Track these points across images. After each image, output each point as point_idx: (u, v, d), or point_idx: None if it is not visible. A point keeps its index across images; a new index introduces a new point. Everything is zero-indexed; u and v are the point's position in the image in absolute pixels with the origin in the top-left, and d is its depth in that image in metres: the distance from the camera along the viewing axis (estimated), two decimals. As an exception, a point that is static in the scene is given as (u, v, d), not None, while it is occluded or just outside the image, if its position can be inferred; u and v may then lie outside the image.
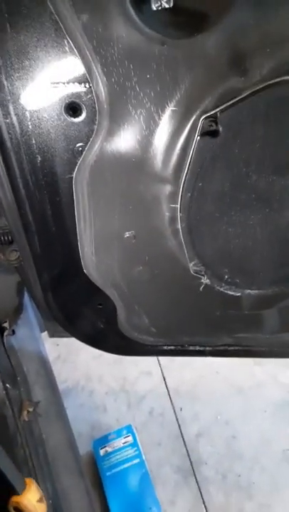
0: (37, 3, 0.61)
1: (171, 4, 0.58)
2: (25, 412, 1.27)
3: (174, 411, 2.01)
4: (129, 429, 1.90)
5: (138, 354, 1.24)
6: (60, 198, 0.83)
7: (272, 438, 1.86)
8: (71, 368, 2.25)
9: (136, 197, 0.81)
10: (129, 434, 1.88)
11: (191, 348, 1.21)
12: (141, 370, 2.19)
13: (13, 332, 1.46)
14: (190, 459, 1.85)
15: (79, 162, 0.76)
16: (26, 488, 0.83)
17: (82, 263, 0.95)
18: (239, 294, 0.97)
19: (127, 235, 0.88)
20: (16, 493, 0.81)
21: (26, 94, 0.69)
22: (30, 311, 1.57)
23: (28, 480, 0.85)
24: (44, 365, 1.48)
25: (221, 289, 0.96)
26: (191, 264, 0.91)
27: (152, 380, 2.14)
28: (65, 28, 0.62)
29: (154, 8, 0.58)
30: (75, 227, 0.87)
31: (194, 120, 0.69)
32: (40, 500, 0.84)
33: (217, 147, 0.71)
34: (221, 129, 0.68)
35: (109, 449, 1.85)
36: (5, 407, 1.24)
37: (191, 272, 0.92)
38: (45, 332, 1.71)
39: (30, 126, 0.73)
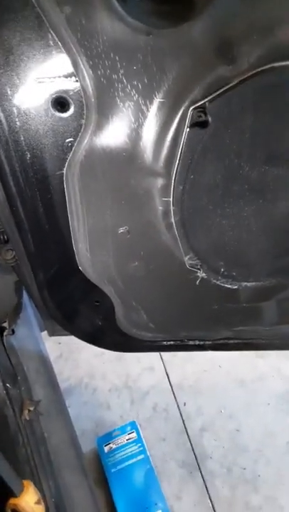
0: (19, -3, 0.60)
1: (155, -7, 0.57)
2: (26, 411, 1.26)
3: (178, 406, 2.01)
4: (133, 425, 1.90)
5: (137, 350, 1.24)
6: (52, 195, 0.82)
7: (276, 430, 1.85)
8: (73, 366, 2.25)
9: (128, 191, 0.81)
10: (133, 431, 1.88)
11: (191, 342, 1.20)
12: (143, 366, 2.18)
13: (13, 332, 1.46)
14: (195, 454, 1.85)
15: (69, 158, 0.76)
16: (24, 490, 0.83)
17: (77, 260, 0.94)
18: (236, 287, 0.96)
19: (120, 230, 0.88)
20: (13, 495, 0.81)
21: (12, 90, 0.68)
22: (29, 310, 1.57)
23: (25, 482, 0.85)
24: (44, 363, 1.48)
25: (218, 283, 0.95)
26: (186, 258, 0.90)
27: (155, 376, 2.14)
28: (48, 21, 0.61)
29: (138, -2, 0.57)
30: (69, 224, 0.87)
31: (183, 111, 0.68)
32: (38, 502, 0.84)
33: (207, 138, 0.70)
34: (210, 119, 0.67)
35: (113, 446, 1.85)
36: (5, 407, 1.24)
37: (187, 265, 0.91)
38: (46, 331, 1.71)
39: (18, 123, 0.72)
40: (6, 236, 1.12)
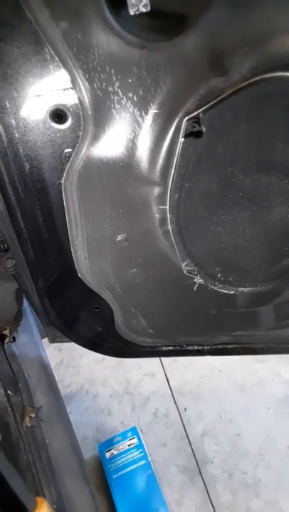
0: (16, 13, 0.61)
1: (149, 8, 0.58)
2: (27, 418, 1.27)
3: (178, 411, 2.01)
4: (134, 431, 1.90)
5: (137, 356, 1.25)
6: (51, 204, 0.84)
7: (277, 434, 1.86)
8: (74, 372, 2.26)
9: (125, 200, 0.82)
10: (134, 436, 1.88)
11: (190, 347, 1.21)
12: (144, 372, 2.19)
13: (14, 339, 1.47)
14: (196, 459, 1.85)
15: (67, 168, 0.77)
16: (37, 507, 0.84)
17: (76, 267, 0.95)
18: (233, 292, 0.98)
19: (118, 238, 0.89)
20: None
21: (11, 103, 0.70)
22: (29, 318, 1.58)
23: (39, 499, 0.86)
24: (45, 370, 1.49)
25: (215, 288, 0.96)
26: (183, 265, 0.91)
27: (156, 382, 2.15)
28: (44, 36, 0.63)
29: (132, 13, 0.59)
30: (67, 232, 0.88)
31: (178, 122, 0.69)
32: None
33: (202, 148, 0.71)
34: (204, 129, 0.69)
35: (115, 452, 1.86)
36: (7, 414, 1.25)
37: (184, 272, 0.93)
38: (46, 338, 1.72)
39: (16, 135, 0.73)
40: (5, 245, 1.14)
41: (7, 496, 0.79)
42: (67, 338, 1.24)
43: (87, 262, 0.95)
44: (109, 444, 1.89)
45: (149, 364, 2.21)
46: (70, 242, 0.90)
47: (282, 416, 1.91)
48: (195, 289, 0.96)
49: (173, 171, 0.75)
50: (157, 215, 0.83)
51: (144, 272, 0.96)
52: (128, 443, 1.88)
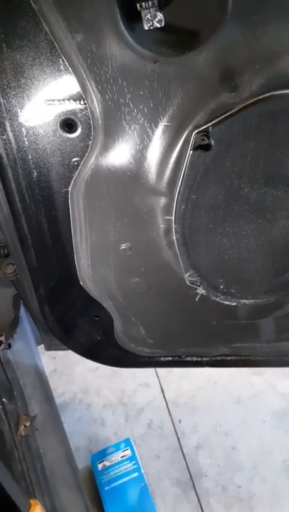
0: (32, 24, 0.63)
1: (163, 24, 0.60)
2: (22, 427, 1.26)
3: (173, 423, 2.00)
4: (127, 442, 1.88)
5: (135, 366, 1.24)
6: (56, 212, 0.84)
7: (272, 448, 1.85)
8: (68, 381, 2.23)
9: (131, 209, 0.83)
10: (128, 448, 1.86)
11: (189, 358, 1.21)
12: (139, 382, 2.17)
13: (10, 346, 1.46)
14: (189, 472, 1.83)
15: (74, 176, 0.78)
16: (31, 510, 0.83)
17: (79, 275, 0.96)
18: (235, 304, 0.98)
19: (122, 246, 0.89)
20: None
21: (22, 111, 0.71)
22: (26, 324, 1.57)
23: (32, 501, 0.85)
24: (41, 378, 1.48)
25: (217, 299, 0.97)
26: (186, 275, 0.92)
27: (150, 392, 2.13)
28: (59, 47, 0.64)
29: (146, 28, 0.60)
30: (71, 240, 0.88)
31: (187, 134, 0.70)
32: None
33: (209, 160, 0.73)
34: (212, 142, 0.70)
35: (107, 463, 1.83)
36: (1, 422, 1.23)
37: (187, 282, 0.93)
38: (42, 345, 1.71)
39: (26, 142, 0.74)
40: (6, 250, 1.13)
41: (0, 498, 0.78)
42: (65, 345, 1.23)
43: (89, 270, 0.95)
44: (102, 455, 1.86)
45: (144, 374, 2.19)
46: (74, 249, 0.90)
47: (278, 430, 1.90)
48: (197, 299, 0.96)
49: (180, 182, 0.76)
50: (162, 225, 0.84)
51: (146, 281, 0.97)
52: (121, 454, 1.85)
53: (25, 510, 0.82)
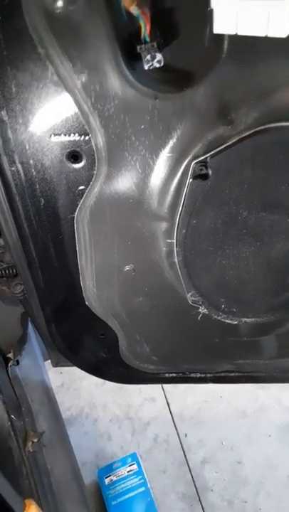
0: (40, 66, 0.67)
1: (162, 64, 0.64)
2: (29, 443, 1.28)
3: (179, 437, 2.00)
4: (133, 457, 1.89)
5: (140, 382, 1.27)
6: (63, 236, 0.88)
7: (278, 462, 1.84)
8: (75, 395, 2.25)
9: (134, 233, 0.86)
10: (134, 462, 1.87)
11: (193, 375, 1.23)
12: (145, 397, 2.18)
13: (18, 362, 1.48)
14: (195, 486, 1.83)
15: (80, 203, 0.82)
16: (26, 509, 0.83)
17: (84, 295, 0.99)
18: (236, 322, 1.01)
19: (126, 268, 0.93)
20: None
21: (30, 144, 0.75)
22: (33, 341, 1.60)
23: (27, 501, 0.85)
24: (48, 394, 1.50)
25: (219, 318, 1.00)
26: (188, 295, 0.94)
27: (156, 407, 2.14)
28: (65, 86, 0.68)
29: (146, 68, 0.64)
30: (77, 262, 0.92)
31: (186, 164, 0.74)
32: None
33: (208, 188, 0.76)
34: (210, 172, 0.73)
35: (114, 478, 1.84)
36: (10, 439, 1.25)
37: (189, 302, 0.96)
38: (49, 361, 1.73)
39: (34, 173, 0.78)
40: (14, 271, 1.17)
41: None
42: (71, 362, 1.26)
43: (94, 290, 0.98)
44: (109, 469, 1.87)
45: (150, 389, 2.20)
46: (80, 271, 0.94)
47: (284, 444, 1.90)
48: (199, 318, 0.99)
49: (180, 209, 0.79)
50: (164, 248, 0.87)
51: (149, 300, 1.00)
52: (128, 469, 1.86)
53: (20, 511, 0.82)
